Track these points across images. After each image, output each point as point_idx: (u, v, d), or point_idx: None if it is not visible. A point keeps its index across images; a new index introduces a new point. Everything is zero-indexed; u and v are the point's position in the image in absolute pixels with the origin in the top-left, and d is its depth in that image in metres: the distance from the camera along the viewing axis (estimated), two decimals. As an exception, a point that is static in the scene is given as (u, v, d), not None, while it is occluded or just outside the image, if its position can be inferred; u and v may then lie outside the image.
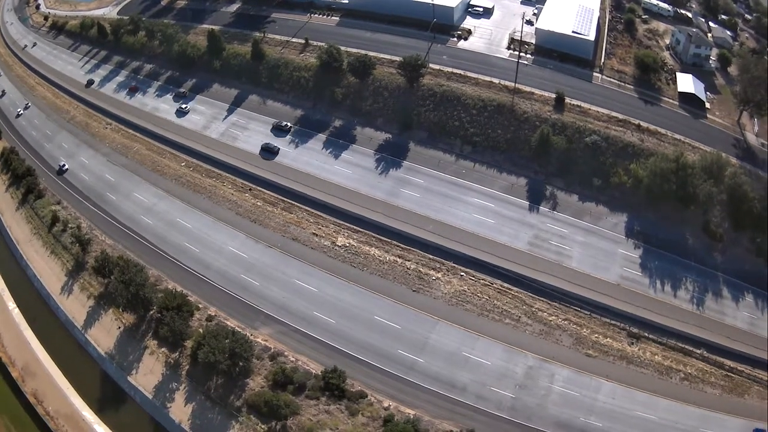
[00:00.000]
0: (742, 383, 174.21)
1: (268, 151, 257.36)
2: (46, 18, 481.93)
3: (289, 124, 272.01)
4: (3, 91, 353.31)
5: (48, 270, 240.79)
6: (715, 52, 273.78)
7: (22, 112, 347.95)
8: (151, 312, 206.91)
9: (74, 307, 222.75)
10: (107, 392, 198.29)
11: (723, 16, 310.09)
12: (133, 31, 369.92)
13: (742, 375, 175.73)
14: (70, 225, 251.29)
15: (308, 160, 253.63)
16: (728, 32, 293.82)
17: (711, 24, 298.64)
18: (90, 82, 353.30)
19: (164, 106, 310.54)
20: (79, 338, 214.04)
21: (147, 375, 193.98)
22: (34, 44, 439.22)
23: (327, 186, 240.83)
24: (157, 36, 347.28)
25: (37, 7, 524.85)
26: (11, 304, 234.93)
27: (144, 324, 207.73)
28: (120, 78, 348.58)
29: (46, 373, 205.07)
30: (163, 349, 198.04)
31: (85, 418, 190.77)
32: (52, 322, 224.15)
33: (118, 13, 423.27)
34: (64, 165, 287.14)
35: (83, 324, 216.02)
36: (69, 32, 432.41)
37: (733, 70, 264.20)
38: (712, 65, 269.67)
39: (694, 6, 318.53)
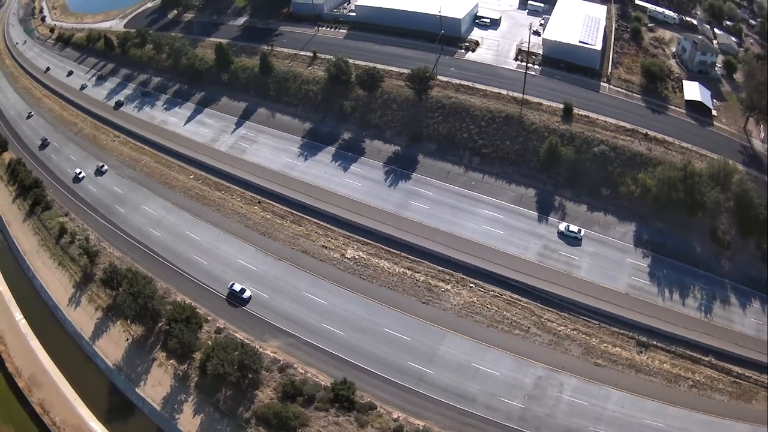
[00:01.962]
0: (750, 389, 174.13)
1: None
2: (51, 30, 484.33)
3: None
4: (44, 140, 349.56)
5: (55, 281, 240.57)
6: (720, 58, 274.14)
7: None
8: (160, 324, 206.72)
9: (82, 318, 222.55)
10: (115, 404, 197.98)
11: (728, 23, 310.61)
12: (140, 44, 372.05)
13: (750, 381, 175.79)
14: (78, 237, 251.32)
15: (317, 173, 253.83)
16: (733, 38, 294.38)
17: (716, 30, 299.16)
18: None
19: (173, 119, 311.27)
20: (86, 349, 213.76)
21: (155, 386, 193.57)
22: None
23: (336, 198, 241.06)
24: (165, 49, 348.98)
25: (43, 19, 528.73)
26: (18, 315, 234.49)
27: (152, 336, 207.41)
28: (128, 91, 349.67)
29: (53, 384, 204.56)
30: (171, 361, 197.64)
31: (92, 429, 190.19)
32: (60, 333, 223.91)
33: (124, 26, 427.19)
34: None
35: (91, 335, 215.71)
36: (75, 45, 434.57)
37: (738, 76, 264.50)
38: (718, 72, 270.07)
39: (699, 13, 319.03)
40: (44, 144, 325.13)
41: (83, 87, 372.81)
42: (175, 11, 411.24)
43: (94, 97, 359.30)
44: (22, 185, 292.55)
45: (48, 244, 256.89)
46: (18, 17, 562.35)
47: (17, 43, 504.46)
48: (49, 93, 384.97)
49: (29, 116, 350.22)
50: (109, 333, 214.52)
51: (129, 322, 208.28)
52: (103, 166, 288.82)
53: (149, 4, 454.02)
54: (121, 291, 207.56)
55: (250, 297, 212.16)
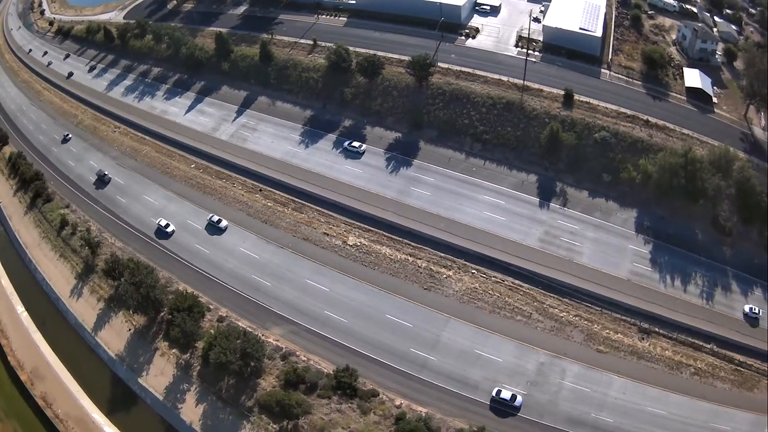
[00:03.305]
0: (752, 377, 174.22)
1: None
2: (51, 23, 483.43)
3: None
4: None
5: (57, 273, 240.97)
6: (720, 46, 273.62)
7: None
8: (162, 313, 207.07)
9: (84, 309, 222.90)
10: (117, 394, 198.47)
11: (728, 11, 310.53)
12: (140, 34, 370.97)
13: (752, 369, 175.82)
14: (79, 228, 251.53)
15: (318, 160, 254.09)
16: (733, 26, 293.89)
17: (716, 18, 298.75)
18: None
19: (173, 109, 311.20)
20: (89, 341, 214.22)
21: (158, 376, 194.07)
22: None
23: (337, 185, 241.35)
24: (165, 39, 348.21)
25: (42, 12, 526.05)
26: (20, 308, 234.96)
27: (155, 326, 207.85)
28: (128, 82, 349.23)
29: (56, 376, 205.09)
30: (174, 351, 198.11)
31: (95, 421, 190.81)
32: (62, 325, 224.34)
33: (124, 18, 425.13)
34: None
35: (93, 326, 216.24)
36: (75, 37, 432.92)
37: (739, 64, 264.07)
38: (719, 60, 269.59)
39: (699, 1, 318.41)
40: (66, 139, 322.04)
41: (70, 75, 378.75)
42: (175, 1, 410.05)
43: (93, 87, 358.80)
44: (23, 178, 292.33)
45: (49, 236, 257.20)
46: (17, 11, 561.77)
47: (12, 29, 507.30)
48: (48, 85, 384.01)
49: (66, 140, 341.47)
50: (111, 324, 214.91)
51: (131, 312, 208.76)
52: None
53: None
54: (123, 281, 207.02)
55: None
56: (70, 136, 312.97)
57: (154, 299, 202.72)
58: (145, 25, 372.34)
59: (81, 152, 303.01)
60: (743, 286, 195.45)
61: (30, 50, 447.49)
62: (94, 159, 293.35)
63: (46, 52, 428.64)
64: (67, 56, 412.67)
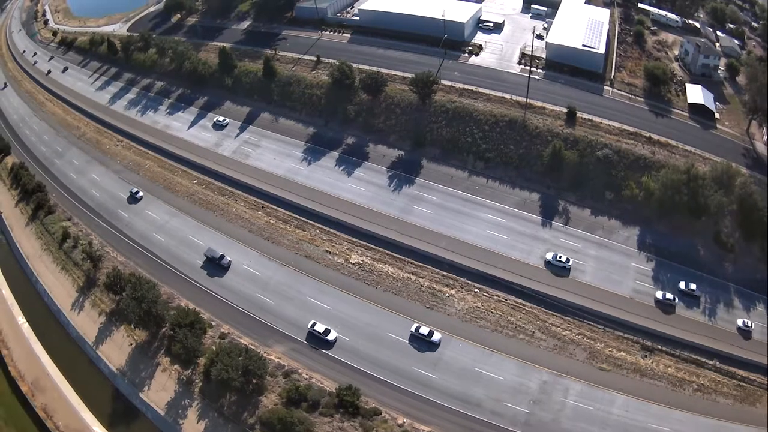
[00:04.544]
0: (754, 392, 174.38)
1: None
2: (54, 33, 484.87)
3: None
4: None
5: (59, 286, 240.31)
6: (723, 61, 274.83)
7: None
8: (164, 329, 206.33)
9: (85, 323, 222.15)
10: (119, 408, 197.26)
11: (730, 25, 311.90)
12: (143, 48, 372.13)
13: (754, 384, 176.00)
14: (81, 241, 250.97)
15: (321, 178, 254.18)
16: (736, 41, 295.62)
17: (719, 33, 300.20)
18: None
19: (176, 124, 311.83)
20: (90, 354, 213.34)
21: (159, 392, 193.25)
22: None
23: (340, 203, 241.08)
24: (168, 53, 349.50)
25: (46, 22, 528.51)
26: (21, 319, 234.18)
27: (156, 341, 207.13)
28: (131, 95, 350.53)
29: (57, 389, 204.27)
30: (175, 366, 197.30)
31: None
32: (63, 337, 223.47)
33: (127, 30, 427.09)
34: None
35: (94, 340, 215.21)
36: (79, 48, 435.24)
37: (741, 79, 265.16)
38: (721, 75, 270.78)
39: (701, 16, 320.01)
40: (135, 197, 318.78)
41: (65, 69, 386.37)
42: (179, 15, 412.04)
43: (96, 100, 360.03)
44: (24, 189, 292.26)
45: (51, 248, 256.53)
46: (21, 20, 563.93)
47: (13, 31, 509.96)
48: (51, 96, 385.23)
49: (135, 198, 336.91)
50: (112, 338, 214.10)
51: (132, 326, 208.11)
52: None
53: (152, 8, 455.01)
54: (125, 296, 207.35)
55: None
56: (140, 193, 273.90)
57: (155, 314, 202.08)
58: (149, 39, 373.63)
59: (83, 165, 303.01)
60: (745, 301, 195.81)
61: (35, 62, 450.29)
62: (96, 172, 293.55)
63: (49, 70, 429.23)
64: (66, 69, 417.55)
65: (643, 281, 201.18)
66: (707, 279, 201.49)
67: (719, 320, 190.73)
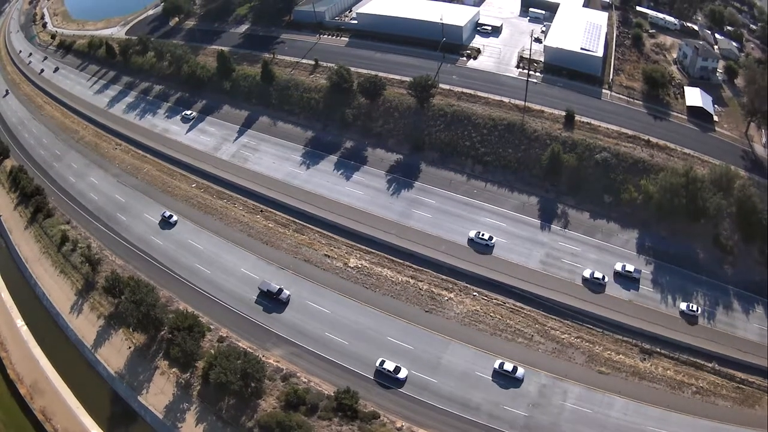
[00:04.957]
0: (753, 394, 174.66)
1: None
2: (53, 36, 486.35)
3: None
4: None
5: (57, 289, 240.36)
6: (721, 64, 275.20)
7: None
8: (162, 332, 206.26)
9: (84, 326, 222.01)
10: (117, 412, 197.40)
11: (729, 28, 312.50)
12: (141, 51, 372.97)
13: (753, 386, 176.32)
14: (79, 245, 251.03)
15: (320, 182, 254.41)
16: (734, 43, 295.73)
17: (717, 36, 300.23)
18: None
19: (174, 128, 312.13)
20: (88, 357, 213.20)
21: (158, 395, 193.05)
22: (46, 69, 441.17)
23: (339, 207, 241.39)
24: (166, 57, 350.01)
25: (44, 25, 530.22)
26: (20, 322, 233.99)
27: (155, 344, 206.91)
28: (129, 99, 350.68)
29: (55, 391, 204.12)
30: (174, 370, 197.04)
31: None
32: (62, 340, 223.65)
33: (126, 33, 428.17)
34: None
35: (93, 343, 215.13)
36: (77, 51, 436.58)
37: (740, 81, 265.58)
38: (719, 78, 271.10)
39: (700, 19, 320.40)
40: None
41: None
42: (177, 19, 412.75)
43: (95, 103, 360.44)
44: (23, 193, 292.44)
45: (50, 251, 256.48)
46: (20, 22, 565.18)
47: (11, 32, 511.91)
48: (50, 100, 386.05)
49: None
50: (111, 341, 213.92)
51: (131, 330, 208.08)
52: None
53: (151, 12, 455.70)
54: (123, 299, 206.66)
55: None
56: (174, 217, 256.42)
57: (154, 318, 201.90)
58: (147, 42, 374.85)
59: (82, 168, 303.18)
60: (744, 304, 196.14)
61: (30, 62, 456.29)
62: (95, 176, 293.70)
63: (42, 69, 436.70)
64: (57, 69, 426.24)
65: (642, 284, 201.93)
66: (706, 282, 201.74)
67: (718, 323, 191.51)
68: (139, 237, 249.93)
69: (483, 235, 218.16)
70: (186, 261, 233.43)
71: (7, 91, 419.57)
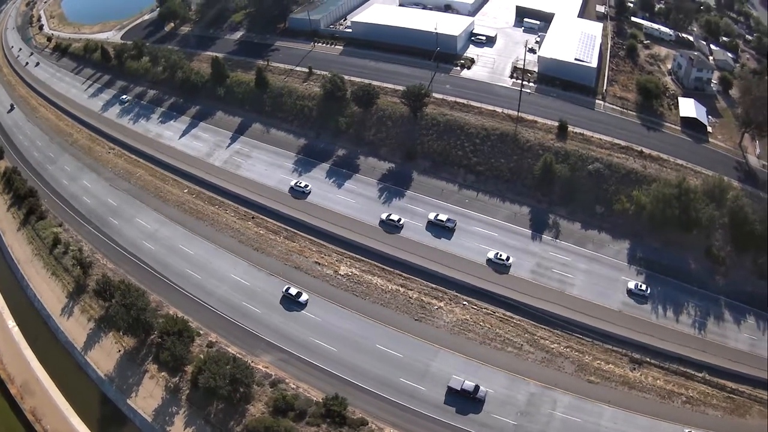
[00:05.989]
0: (743, 404, 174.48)
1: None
2: (49, 39, 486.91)
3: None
4: None
5: (49, 291, 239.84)
6: (716, 75, 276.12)
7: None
8: (152, 336, 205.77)
9: (74, 328, 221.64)
10: (106, 414, 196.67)
11: (724, 38, 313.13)
12: (136, 56, 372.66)
13: (743, 396, 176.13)
14: (71, 247, 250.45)
15: (311, 190, 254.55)
16: (729, 54, 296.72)
17: (712, 47, 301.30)
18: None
19: (168, 133, 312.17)
20: (78, 359, 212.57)
21: (147, 398, 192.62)
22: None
23: (330, 215, 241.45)
24: (161, 62, 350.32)
25: (41, 27, 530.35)
26: (11, 323, 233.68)
27: (144, 348, 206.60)
28: (123, 103, 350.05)
29: (45, 393, 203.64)
30: (163, 374, 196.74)
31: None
32: (52, 342, 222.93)
33: (121, 38, 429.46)
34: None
35: (83, 346, 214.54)
36: (72, 55, 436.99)
37: (734, 92, 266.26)
38: (714, 89, 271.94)
39: (695, 29, 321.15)
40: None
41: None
42: (172, 24, 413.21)
43: (89, 107, 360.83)
44: (17, 194, 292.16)
45: (42, 253, 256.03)
46: (16, 24, 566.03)
47: (7, 29, 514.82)
48: (44, 102, 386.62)
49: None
50: (101, 344, 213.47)
51: (121, 333, 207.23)
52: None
53: (146, 17, 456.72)
54: (114, 302, 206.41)
55: None
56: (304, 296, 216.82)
57: (144, 322, 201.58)
58: (142, 47, 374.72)
59: (75, 172, 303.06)
60: (735, 314, 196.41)
61: (18, 56, 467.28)
62: (88, 179, 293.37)
63: (26, 62, 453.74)
64: (38, 64, 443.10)
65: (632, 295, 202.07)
66: (698, 292, 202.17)
67: (709, 333, 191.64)
68: (130, 241, 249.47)
69: None
70: (176, 265, 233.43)
71: (12, 105, 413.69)
